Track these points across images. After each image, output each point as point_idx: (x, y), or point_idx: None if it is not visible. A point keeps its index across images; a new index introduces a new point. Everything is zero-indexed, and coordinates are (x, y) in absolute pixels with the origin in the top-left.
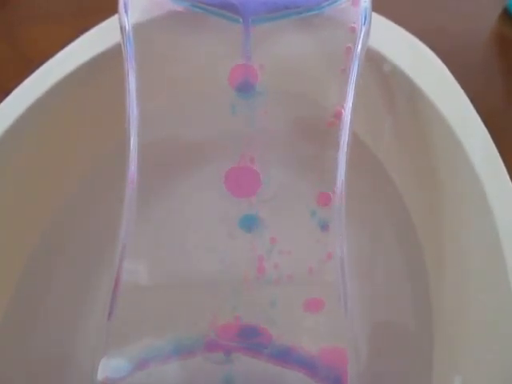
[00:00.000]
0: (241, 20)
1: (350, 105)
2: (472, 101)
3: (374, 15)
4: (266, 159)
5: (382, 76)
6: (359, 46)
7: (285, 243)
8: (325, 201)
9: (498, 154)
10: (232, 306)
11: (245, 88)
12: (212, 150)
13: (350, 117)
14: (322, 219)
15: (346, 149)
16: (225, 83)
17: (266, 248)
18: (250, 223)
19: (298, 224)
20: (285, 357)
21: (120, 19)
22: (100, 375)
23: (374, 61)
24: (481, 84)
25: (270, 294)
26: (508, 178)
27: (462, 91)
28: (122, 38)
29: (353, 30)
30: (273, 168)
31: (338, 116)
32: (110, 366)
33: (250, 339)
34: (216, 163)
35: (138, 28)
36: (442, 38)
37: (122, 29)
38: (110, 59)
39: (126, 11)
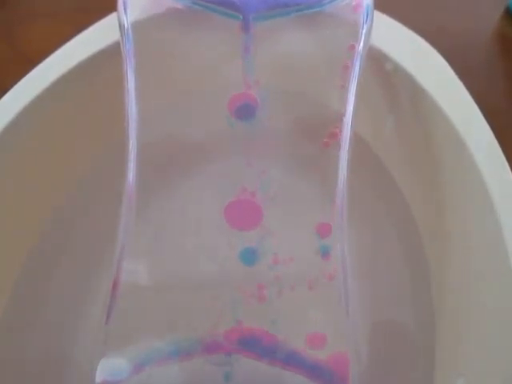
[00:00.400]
0: (241, 17)
1: (352, 103)
2: (474, 101)
3: (376, 13)
4: (267, 185)
5: (384, 74)
6: (361, 44)
7: (285, 263)
8: (326, 232)
9: (501, 153)
10: (233, 309)
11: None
12: (212, 149)
13: (351, 116)
14: (324, 246)
15: (347, 147)
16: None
17: (267, 279)
18: (250, 256)
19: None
20: (286, 360)
21: (119, 17)
22: (98, 377)
23: (376, 59)
24: (483, 84)
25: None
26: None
27: (464, 90)
28: (121, 35)
29: (355, 27)
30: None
31: (339, 115)
32: (108, 367)
33: (254, 346)
34: (216, 195)
35: (137, 26)
36: (444, 37)
37: (121, 26)
38: (109, 58)
39: (125, 9)
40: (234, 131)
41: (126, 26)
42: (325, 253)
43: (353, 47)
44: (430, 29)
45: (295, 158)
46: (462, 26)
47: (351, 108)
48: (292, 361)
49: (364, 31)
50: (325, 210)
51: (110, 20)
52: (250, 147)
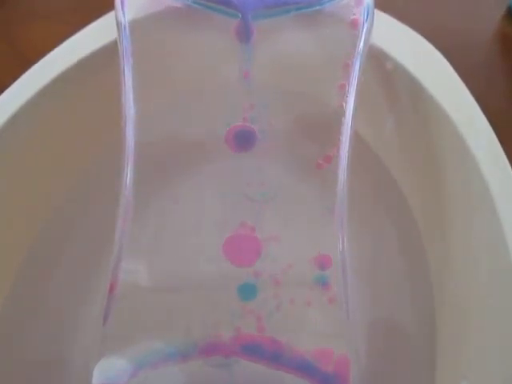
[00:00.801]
0: (240, 16)
1: (352, 103)
2: (475, 100)
3: (377, 12)
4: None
5: (385, 73)
6: (361, 43)
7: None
8: (327, 264)
9: (503, 152)
10: (231, 313)
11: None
12: (211, 149)
13: (351, 115)
14: (324, 277)
15: (347, 147)
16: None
17: (266, 311)
18: (248, 292)
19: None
20: (284, 362)
21: (116, 15)
22: (96, 380)
23: (377, 58)
24: (484, 84)
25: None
26: None
27: (466, 89)
28: (119, 34)
29: (355, 26)
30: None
31: (339, 115)
32: (105, 370)
33: (253, 348)
34: (215, 230)
35: (135, 24)
36: (445, 37)
37: (119, 25)
38: (106, 56)
39: (122, 7)
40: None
41: (123, 24)
42: (325, 283)
43: (353, 46)
44: (430, 28)
45: (295, 159)
46: (463, 26)
47: (351, 107)
48: (290, 362)
49: (364, 30)
50: (325, 233)
51: (108, 19)
52: (250, 147)
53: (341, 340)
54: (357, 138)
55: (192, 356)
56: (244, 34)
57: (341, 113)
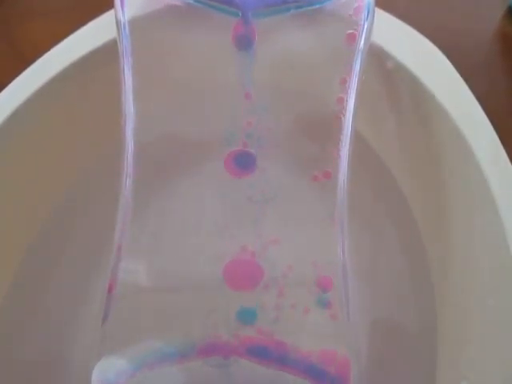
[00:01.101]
0: (240, 14)
1: (353, 102)
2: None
3: (377, 10)
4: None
5: (385, 73)
6: (362, 42)
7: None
8: (328, 286)
9: (504, 152)
10: (231, 313)
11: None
12: (211, 148)
13: (352, 114)
14: (325, 300)
15: (348, 147)
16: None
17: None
18: (247, 315)
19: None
20: (285, 362)
21: (116, 13)
22: (95, 380)
23: (377, 57)
24: (484, 83)
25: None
26: None
27: (467, 88)
28: (118, 33)
29: (355, 25)
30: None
31: (340, 114)
32: (105, 370)
33: (252, 349)
34: (215, 230)
35: (135, 22)
36: (445, 36)
37: (118, 23)
38: (106, 55)
39: (122, 5)
40: (234, 129)
41: (123, 22)
42: (326, 303)
43: (354, 45)
44: (430, 28)
45: (295, 158)
46: (463, 26)
47: (352, 107)
48: (290, 362)
49: (365, 28)
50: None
51: (107, 18)
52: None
53: (342, 341)
54: (357, 138)
55: (191, 356)
56: (244, 40)
57: (341, 113)
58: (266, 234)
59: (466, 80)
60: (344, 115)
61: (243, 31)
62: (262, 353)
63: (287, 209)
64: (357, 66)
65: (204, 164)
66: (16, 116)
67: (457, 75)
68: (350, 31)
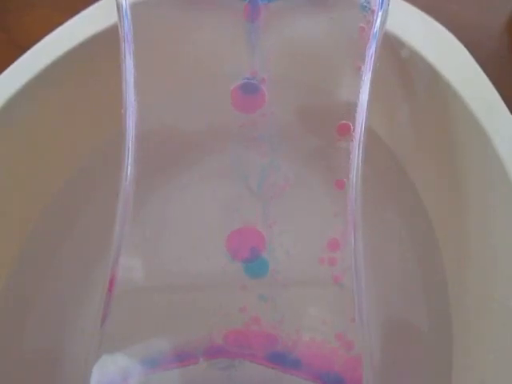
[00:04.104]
0: None
1: (367, 90)
2: None
3: None
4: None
5: (400, 62)
6: (376, 29)
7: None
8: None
9: None
10: (238, 309)
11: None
12: (214, 140)
13: (366, 103)
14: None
15: (361, 138)
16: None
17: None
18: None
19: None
20: (294, 365)
21: None
22: (94, 380)
23: (391, 45)
24: (495, 75)
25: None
26: None
27: (486, 78)
28: (119, 17)
29: (370, 11)
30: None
31: (352, 107)
32: (104, 370)
33: (258, 351)
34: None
35: (137, 7)
36: (455, 28)
37: (119, 7)
38: (106, 41)
39: None
40: (238, 123)
41: (124, 6)
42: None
43: (368, 32)
44: (441, 20)
45: (305, 152)
46: (475, 18)
47: (366, 95)
48: (300, 366)
49: (380, 15)
50: (337, 221)
51: (108, 1)
52: (255, 141)
53: (354, 341)
54: (368, 131)
55: (193, 356)
56: (251, 25)
57: (355, 101)
58: (274, 229)
59: None
60: (357, 106)
61: (251, 15)
62: (259, 349)
63: (297, 204)
64: (371, 55)
65: (208, 156)
66: (10, 105)
67: (474, 63)
68: (364, 18)
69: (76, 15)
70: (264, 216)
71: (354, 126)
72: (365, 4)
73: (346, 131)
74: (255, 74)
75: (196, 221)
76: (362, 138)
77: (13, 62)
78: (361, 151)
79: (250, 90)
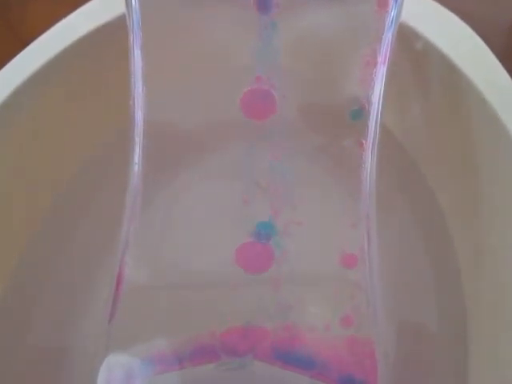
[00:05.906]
0: None
1: (381, 84)
2: None
3: None
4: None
5: (414, 54)
6: (391, 21)
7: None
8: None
9: None
10: (249, 308)
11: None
12: (224, 135)
13: (380, 98)
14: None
15: (375, 135)
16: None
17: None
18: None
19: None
20: (306, 366)
21: None
22: (101, 379)
23: (405, 37)
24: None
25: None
26: None
27: (504, 72)
28: (127, 6)
29: (385, 2)
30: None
31: (365, 102)
32: (110, 372)
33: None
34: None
35: None
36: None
37: None
38: (108, 35)
39: None
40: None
41: None
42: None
43: (383, 24)
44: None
45: (315, 151)
46: (482, 14)
47: (380, 90)
48: (315, 368)
49: (395, 6)
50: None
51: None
52: (265, 139)
53: (368, 341)
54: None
55: (202, 356)
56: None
57: (368, 96)
58: (285, 221)
59: None
60: (371, 101)
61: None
62: (271, 349)
63: (310, 201)
64: (386, 46)
65: (216, 154)
66: (12, 99)
67: (492, 56)
68: (379, 9)
69: (78, 9)
70: (272, 213)
71: (367, 123)
72: None
73: (359, 129)
74: (266, 72)
75: (204, 219)
76: (378, 135)
77: (15, 56)
78: (375, 149)
79: (260, 94)
